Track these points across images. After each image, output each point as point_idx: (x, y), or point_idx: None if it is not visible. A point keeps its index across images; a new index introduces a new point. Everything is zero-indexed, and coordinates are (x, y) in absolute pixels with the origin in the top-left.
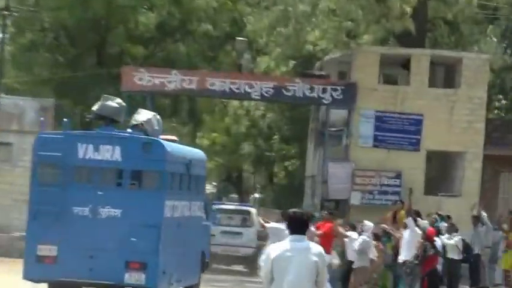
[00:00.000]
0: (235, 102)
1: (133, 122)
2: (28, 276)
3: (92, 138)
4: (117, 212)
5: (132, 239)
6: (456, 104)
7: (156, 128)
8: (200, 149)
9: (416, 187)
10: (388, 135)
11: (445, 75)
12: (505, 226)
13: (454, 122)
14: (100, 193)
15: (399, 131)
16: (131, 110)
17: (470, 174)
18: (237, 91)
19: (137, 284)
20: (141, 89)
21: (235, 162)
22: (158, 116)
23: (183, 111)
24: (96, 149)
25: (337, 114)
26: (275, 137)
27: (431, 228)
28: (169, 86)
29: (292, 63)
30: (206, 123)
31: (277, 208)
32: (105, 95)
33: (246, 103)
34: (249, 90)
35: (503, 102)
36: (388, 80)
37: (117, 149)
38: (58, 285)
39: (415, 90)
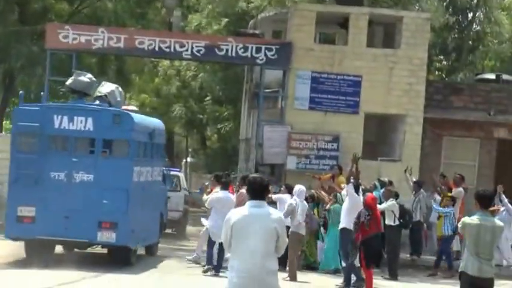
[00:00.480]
0: (166, 62)
1: (98, 94)
2: (9, 235)
3: (66, 110)
4: (90, 177)
5: (104, 201)
6: (396, 65)
7: (119, 99)
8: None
9: (355, 151)
10: (325, 97)
11: (385, 35)
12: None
13: (394, 84)
14: (74, 160)
15: (336, 92)
16: (56, 69)
17: (410, 138)
18: (167, 50)
19: (108, 241)
20: (67, 47)
21: (165, 124)
22: (120, 88)
23: (110, 71)
24: (71, 120)
25: (272, 75)
26: (207, 98)
27: (370, 194)
28: (95, 44)
29: (224, 21)
30: (135, 84)
31: (209, 173)
32: (77, 71)
33: (177, 63)
34: (180, 50)
35: (444, 63)
36: (325, 39)
37: (90, 120)
38: (35, 243)
39: (353, 51)
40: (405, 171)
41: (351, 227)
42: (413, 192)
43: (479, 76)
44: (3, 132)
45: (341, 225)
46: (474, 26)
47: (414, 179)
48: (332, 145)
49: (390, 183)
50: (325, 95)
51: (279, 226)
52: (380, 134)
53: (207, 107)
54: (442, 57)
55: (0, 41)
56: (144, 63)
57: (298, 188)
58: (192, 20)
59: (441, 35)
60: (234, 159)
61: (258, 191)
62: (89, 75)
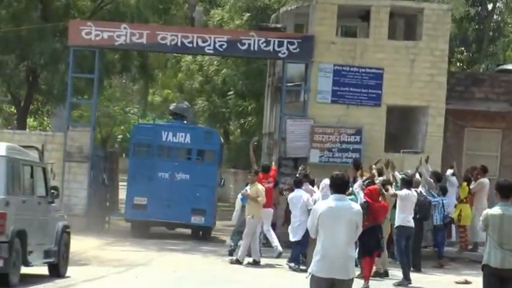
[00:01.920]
0: (188, 57)
1: (176, 111)
2: (127, 217)
3: (171, 128)
4: (186, 176)
5: (197, 194)
6: (417, 57)
7: (191, 115)
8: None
9: (377, 143)
10: (347, 90)
11: (406, 27)
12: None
13: (415, 76)
14: (176, 164)
15: (359, 85)
16: (79, 66)
17: (432, 130)
18: (189, 45)
19: (199, 223)
20: (89, 43)
21: None
22: (187, 103)
23: (133, 67)
24: (174, 135)
25: (295, 69)
26: (230, 93)
27: (370, 186)
28: (118, 40)
29: (247, 15)
30: (158, 79)
31: (232, 167)
32: (179, 100)
33: (199, 58)
34: (202, 45)
35: (465, 54)
36: (347, 32)
37: (188, 135)
38: (140, 224)
39: (375, 43)
40: (423, 161)
41: (406, 224)
42: (433, 184)
43: (501, 67)
44: (27, 130)
45: (396, 223)
46: (495, 17)
47: (430, 169)
48: (355, 138)
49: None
50: (347, 88)
51: (358, 218)
52: (402, 126)
53: (230, 101)
54: (463, 48)
55: (23, 39)
56: (167, 58)
57: (324, 182)
58: (214, 15)
59: (462, 26)
60: (257, 154)
61: (340, 186)
62: (186, 103)
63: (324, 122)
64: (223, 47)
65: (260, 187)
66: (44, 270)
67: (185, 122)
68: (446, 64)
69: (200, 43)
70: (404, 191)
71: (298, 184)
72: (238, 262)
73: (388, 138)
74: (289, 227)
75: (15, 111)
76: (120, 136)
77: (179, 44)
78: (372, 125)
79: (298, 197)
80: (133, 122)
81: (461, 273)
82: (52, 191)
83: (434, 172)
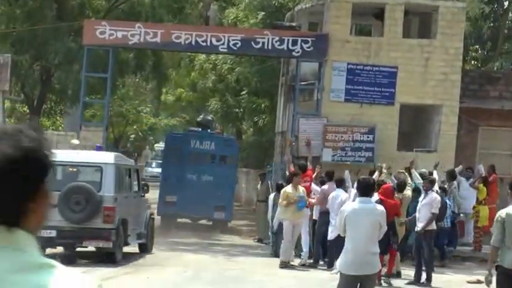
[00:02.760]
0: (202, 56)
1: (202, 122)
2: (160, 212)
3: (198, 137)
4: (210, 178)
5: (218, 193)
6: (431, 56)
7: (213, 125)
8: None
9: (390, 142)
10: (361, 89)
11: (420, 25)
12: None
13: (429, 75)
14: (202, 167)
15: (372, 84)
16: (92, 65)
17: (446, 129)
18: (203, 44)
19: (220, 218)
20: (103, 43)
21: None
22: (212, 116)
23: (147, 66)
24: (201, 143)
25: (308, 67)
26: (243, 92)
27: (384, 185)
28: (132, 39)
29: (261, 14)
30: (172, 78)
31: (244, 166)
32: (205, 113)
33: (213, 57)
34: (216, 43)
35: (480, 52)
36: (361, 31)
37: (213, 143)
38: (170, 217)
39: (389, 42)
40: (435, 167)
41: (433, 227)
42: (447, 183)
43: None
44: None
45: (429, 227)
46: (510, 15)
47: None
48: (368, 137)
49: (430, 174)
50: (361, 86)
51: (382, 219)
52: (416, 125)
53: (243, 100)
54: (477, 46)
55: (38, 38)
56: (181, 57)
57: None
58: (229, 13)
59: (476, 25)
60: (270, 153)
61: (366, 189)
62: (211, 116)
63: (337, 120)
64: (237, 45)
65: (302, 189)
66: (135, 248)
67: (209, 131)
68: (460, 62)
69: (214, 42)
70: (435, 195)
71: (339, 184)
72: (285, 264)
73: (402, 137)
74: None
75: (27, 111)
76: (132, 136)
77: (193, 42)
78: (385, 123)
79: (336, 196)
80: (146, 122)
81: (473, 272)
82: (144, 187)
83: (448, 171)
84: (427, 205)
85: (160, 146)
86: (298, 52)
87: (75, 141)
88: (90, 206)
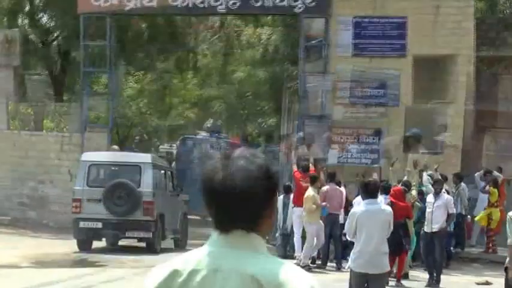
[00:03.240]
0: (206, 60)
1: (212, 128)
2: None
3: (208, 141)
4: None
5: None
6: (441, 3)
7: (222, 130)
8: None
9: (405, 96)
10: (369, 43)
11: None
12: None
13: (441, 23)
14: None
15: (381, 36)
16: (90, 35)
17: (463, 79)
18: (201, 6)
19: None
20: (99, 10)
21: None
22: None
23: (161, 36)
24: (212, 147)
25: (315, 24)
26: (248, 93)
27: (395, 187)
28: (128, 4)
29: None
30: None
31: None
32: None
33: (217, 59)
34: (214, 4)
35: None
36: None
37: (221, 146)
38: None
39: None
40: (436, 169)
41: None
42: (454, 185)
43: None
44: (44, 131)
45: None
46: None
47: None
48: (373, 139)
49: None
50: (369, 40)
51: (390, 218)
52: (431, 77)
53: (248, 101)
54: None
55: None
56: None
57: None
58: None
59: None
60: (275, 155)
61: (372, 192)
62: (220, 121)
63: (345, 76)
64: (237, 5)
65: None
66: (170, 245)
67: (218, 135)
68: (472, 8)
69: (212, 3)
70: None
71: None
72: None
73: (417, 89)
74: None
75: (31, 112)
76: (137, 137)
77: (190, 5)
78: (397, 76)
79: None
80: (150, 123)
81: (482, 274)
82: (178, 188)
83: (456, 173)
84: (442, 207)
85: (164, 148)
86: (300, 8)
87: (115, 147)
88: (132, 200)
